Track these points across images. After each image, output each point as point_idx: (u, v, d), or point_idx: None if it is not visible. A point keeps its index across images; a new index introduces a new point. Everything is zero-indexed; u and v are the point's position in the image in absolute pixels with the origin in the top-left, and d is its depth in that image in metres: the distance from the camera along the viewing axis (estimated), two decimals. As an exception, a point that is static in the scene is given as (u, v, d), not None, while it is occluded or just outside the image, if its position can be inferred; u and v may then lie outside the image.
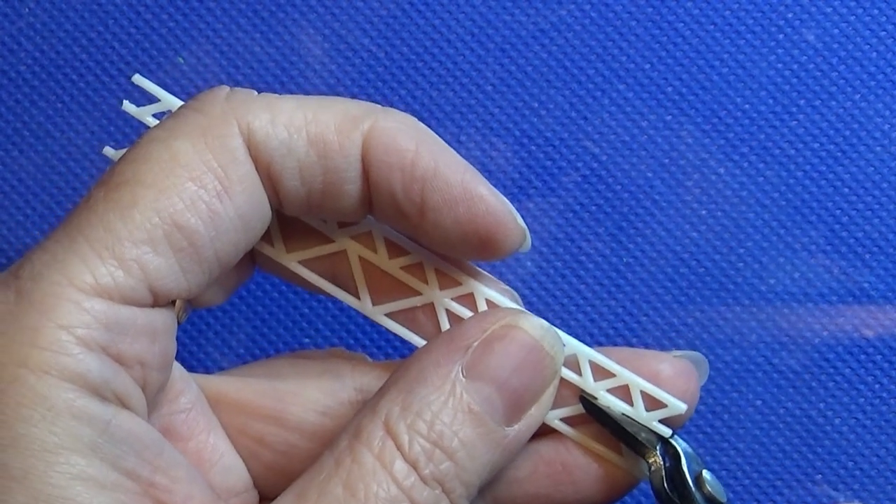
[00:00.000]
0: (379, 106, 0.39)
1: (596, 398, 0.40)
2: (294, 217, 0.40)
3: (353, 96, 0.53)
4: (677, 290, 0.53)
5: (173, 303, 0.37)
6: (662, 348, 0.52)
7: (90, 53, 0.54)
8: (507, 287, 0.42)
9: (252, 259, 0.42)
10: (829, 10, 0.53)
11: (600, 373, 0.40)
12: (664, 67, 0.53)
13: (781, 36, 0.53)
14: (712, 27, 0.53)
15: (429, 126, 0.39)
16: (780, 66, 0.53)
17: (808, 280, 0.52)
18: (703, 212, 0.53)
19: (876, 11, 0.53)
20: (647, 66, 0.53)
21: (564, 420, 0.41)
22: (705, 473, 0.40)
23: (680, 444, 0.40)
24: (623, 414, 0.40)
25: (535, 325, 0.38)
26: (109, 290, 0.34)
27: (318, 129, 0.37)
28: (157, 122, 0.40)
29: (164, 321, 0.36)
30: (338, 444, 0.36)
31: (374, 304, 0.41)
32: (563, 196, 0.53)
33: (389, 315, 0.41)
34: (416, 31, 0.54)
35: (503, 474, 0.40)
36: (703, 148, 0.53)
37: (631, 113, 0.53)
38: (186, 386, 0.40)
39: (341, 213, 0.39)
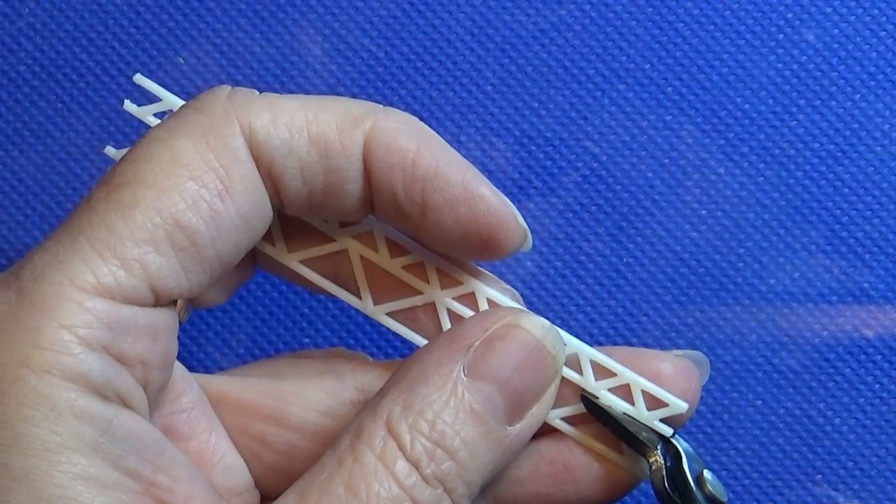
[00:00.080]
0: (380, 105, 0.39)
1: (597, 397, 0.40)
2: (295, 217, 0.40)
3: (354, 96, 0.53)
4: (677, 290, 0.53)
5: (174, 302, 0.37)
6: (663, 348, 0.52)
7: (90, 53, 0.54)
8: (509, 286, 0.42)
9: (253, 259, 0.42)
10: (829, 10, 0.53)
11: (601, 372, 0.40)
12: (664, 67, 0.53)
13: (781, 36, 0.53)
14: (712, 27, 0.53)
15: (429, 126, 0.39)
16: (780, 66, 0.53)
17: (808, 280, 0.52)
18: (703, 212, 0.53)
19: (876, 11, 0.53)
20: (647, 66, 0.53)
21: (566, 419, 0.41)
22: (706, 473, 0.40)
23: (681, 444, 0.40)
24: (624, 413, 0.40)
25: (536, 325, 0.38)
26: (111, 290, 0.34)
27: (320, 128, 0.37)
28: (159, 121, 0.40)
29: (165, 321, 0.36)
30: (339, 443, 0.36)
31: (375, 303, 0.41)
32: (563, 196, 0.53)
33: (391, 314, 0.41)
34: (416, 31, 0.54)
35: (504, 473, 0.40)
36: (703, 148, 0.53)
37: (631, 113, 0.53)
38: (188, 386, 0.40)
39: (342, 212, 0.39)
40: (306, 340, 0.54)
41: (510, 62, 0.53)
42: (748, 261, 0.53)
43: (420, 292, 0.41)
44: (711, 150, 0.53)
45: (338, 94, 0.53)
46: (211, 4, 0.54)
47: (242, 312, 0.54)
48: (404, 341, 0.41)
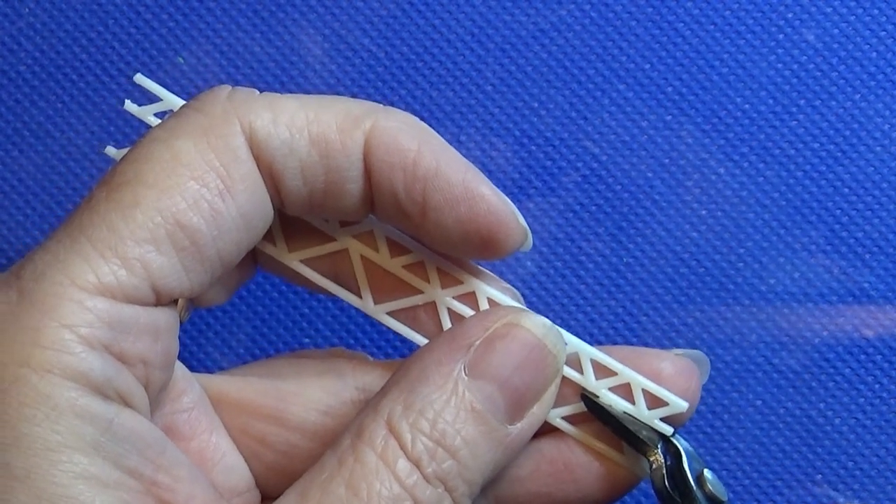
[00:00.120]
0: (381, 105, 0.39)
1: (597, 396, 0.40)
2: (296, 216, 0.40)
3: (354, 96, 0.53)
4: (677, 290, 0.53)
5: (175, 302, 0.37)
6: (663, 348, 0.52)
7: (90, 53, 0.54)
8: (509, 286, 0.42)
9: (254, 258, 0.42)
10: (829, 10, 0.53)
11: (602, 371, 0.40)
12: (664, 67, 0.53)
13: (781, 36, 0.53)
14: (712, 27, 0.53)
15: (428, 126, 0.39)
16: (780, 66, 0.53)
17: (808, 280, 0.52)
18: (703, 212, 0.53)
19: (876, 11, 0.53)
20: (647, 66, 0.53)
21: (566, 418, 0.41)
22: (706, 472, 0.40)
23: (681, 443, 0.40)
24: (625, 412, 0.40)
25: (537, 324, 0.38)
26: (112, 289, 0.34)
27: (320, 128, 0.37)
28: (159, 121, 0.40)
29: (166, 320, 0.36)
30: (340, 443, 0.36)
31: (375, 302, 0.41)
32: (563, 196, 0.53)
33: (391, 314, 0.41)
34: (416, 31, 0.54)
35: (505, 473, 0.40)
36: (703, 148, 0.53)
37: (631, 113, 0.53)
38: (188, 385, 0.40)
39: (343, 212, 0.39)
40: (306, 340, 0.54)
41: (510, 62, 0.54)
42: (748, 261, 0.53)
43: (420, 291, 0.41)
44: (711, 150, 0.53)
45: (338, 94, 0.53)
46: (211, 4, 0.54)
47: (242, 313, 0.54)
48: (404, 341, 0.41)
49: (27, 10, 0.54)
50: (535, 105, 0.53)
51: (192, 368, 0.41)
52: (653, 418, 0.40)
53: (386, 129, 0.38)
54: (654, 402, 0.40)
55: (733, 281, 0.53)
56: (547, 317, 0.39)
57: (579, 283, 0.53)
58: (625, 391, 0.40)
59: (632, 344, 0.52)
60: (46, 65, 0.54)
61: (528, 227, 0.40)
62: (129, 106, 0.41)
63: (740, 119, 0.53)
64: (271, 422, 0.41)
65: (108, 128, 0.54)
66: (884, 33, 0.53)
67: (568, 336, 0.40)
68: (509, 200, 0.39)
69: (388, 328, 0.41)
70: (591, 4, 0.53)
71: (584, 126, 0.53)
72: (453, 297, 0.41)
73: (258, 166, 0.37)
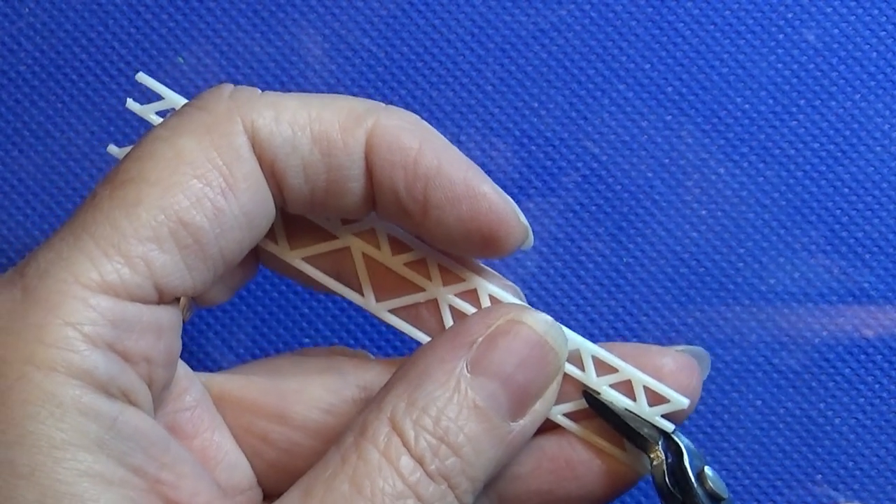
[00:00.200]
0: (382, 104, 0.39)
1: (599, 393, 0.40)
2: (298, 214, 0.40)
3: (354, 96, 0.53)
4: (677, 290, 0.53)
5: (178, 300, 0.37)
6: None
7: (90, 53, 0.54)
8: (511, 283, 0.42)
9: (256, 257, 0.42)
10: (829, 10, 0.53)
11: (603, 368, 0.40)
12: (664, 67, 0.53)
13: (781, 36, 0.53)
14: (712, 27, 0.53)
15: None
16: (780, 66, 0.53)
17: (808, 280, 0.52)
18: (703, 212, 0.53)
19: (876, 11, 0.53)
20: (647, 66, 0.53)
21: (567, 415, 0.41)
22: (707, 469, 0.40)
23: (682, 440, 0.40)
24: (626, 409, 0.40)
25: (538, 321, 0.38)
26: (115, 287, 0.35)
27: (322, 126, 0.38)
28: (161, 119, 0.40)
29: (169, 318, 0.37)
30: (343, 440, 0.36)
31: (377, 300, 0.41)
32: (563, 196, 0.53)
33: (393, 311, 0.41)
34: (416, 31, 0.54)
35: (506, 470, 0.40)
36: (703, 148, 0.53)
37: (631, 113, 0.53)
38: (191, 384, 0.40)
39: (345, 210, 0.39)
40: (307, 340, 0.54)
41: (510, 62, 0.54)
42: (748, 261, 0.53)
43: (422, 289, 0.41)
44: (711, 150, 0.53)
45: (338, 93, 0.53)
46: (211, 4, 0.54)
47: (242, 313, 0.54)
48: (404, 341, 0.41)
49: (27, 10, 0.54)
50: (535, 105, 0.53)
51: (192, 368, 0.41)
52: (654, 415, 0.40)
53: (388, 128, 0.38)
54: (655, 398, 0.40)
55: (733, 281, 0.53)
56: (547, 317, 0.39)
57: (579, 283, 0.53)
58: (626, 388, 0.40)
59: (632, 343, 0.53)
60: (46, 65, 0.54)
61: (528, 225, 0.40)
62: (132, 104, 0.41)
63: (740, 119, 0.53)
64: (273, 420, 0.41)
65: (108, 128, 0.54)
66: (884, 33, 0.53)
67: (569, 333, 0.40)
68: (510, 199, 0.39)
69: (391, 326, 0.41)
70: (591, 4, 0.53)
71: (584, 126, 0.53)
72: (455, 295, 0.41)
73: (260, 164, 0.37)
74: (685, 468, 0.39)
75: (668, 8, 0.53)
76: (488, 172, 0.39)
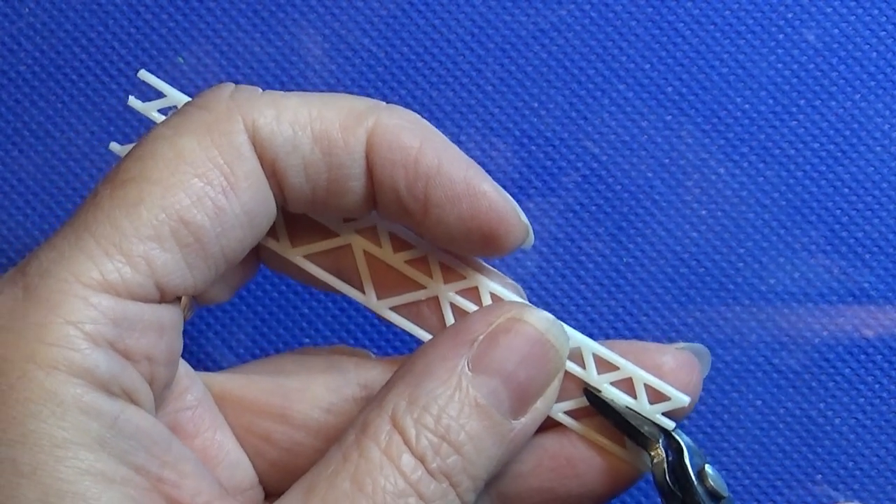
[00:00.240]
0: (383, 103, 0.39)
1: (600, 391, 0.40)
2: (299, 213, 0.40)
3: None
4: (677, 290, 0.53)
5: (179, 299, 0.37)
6: (663, 344, 0.52)
7: (90, 53, 0.54)
8: (512, 281, 0.42)
9: (257, 256, 0.42)
10: (829, 10, 0.53)
11: (604, 366, 0.41)
12: (664, 67, 0.53)
13: (781, 36, 0.53)
14: (712, 27, 0.53)
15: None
16: (780, 66, 0.53)
17: (808, 280, 0.52)
18: (703, 212, 0.53)
19: (876, 11, 0.53)
20: (647, 66, 0.53)
21: (568, 413, 0.41)
22: (707, 467, 0.40)
23: (683, 438, 0.40)
24: (627, 407, 0.40)
25: (540, 318, 0.38)
26: (116, 286, 0.35)
27: (323, 126, 0.38)
28: (163, 117, 0.40)
29: (170, 317, 0.37)
30: (345, 438, 0.36)
31: (379, 298, 0.41)
32: (563, 196, 0.53)
33: (394, 309, 0.41)
34: (416, 31, 0.54)
35: (508, 469, 0.40)
36: (703, 148, 0.53)
37: (631, 113, 0.53)
38: (192, 383, 0.40)
39: (346, 209, 0.39)
40: (307, 340, 0.54)
41: (510, 62, 0.54)
42: (748, 261, 0.53)
43: (423, 287, 0.41)
44: (711, 150, 0.53)
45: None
46: (211, 4, 0.54)
47: (243, 312, 0.54)
48: (405, 341, 0.41)
49: (27, 10, 0.54)
50: (535, 105, 0.53)
51: (192, 368, 0.41)
52: (655, 413, 0.40)
53: (388, 127, 0.38)
54: (655, 396, 0.40)
55: (733, 281, 0.53)
56: (547, 317, 0.39)
57: (579, 283, 0.53)
58: (627, 386, 0.40)
59: (632, 343, 0.53)
60: (46, 65, 0.54)
61: (529, 224, 0.40)
62: (133, 102, 0.41)
63: (740, 119, 0.53)
64: (275, 419, 0.41)
65: (108, 128, 0.54)
66: (884, 33, 0.53)
67: (570, 331, 0.40)
68: (510, 197, 0.39)
69: (392, 323, 0.41)
70: (591, 4, 0.53)
71: (584, 126, 0.53)
72: (456, 293, 0.41)
73: (261, 163, 0.37)
74: (686, 466, 0.40)
75: (668, 8, 0.53)
76: (488, 172, 0.39)
